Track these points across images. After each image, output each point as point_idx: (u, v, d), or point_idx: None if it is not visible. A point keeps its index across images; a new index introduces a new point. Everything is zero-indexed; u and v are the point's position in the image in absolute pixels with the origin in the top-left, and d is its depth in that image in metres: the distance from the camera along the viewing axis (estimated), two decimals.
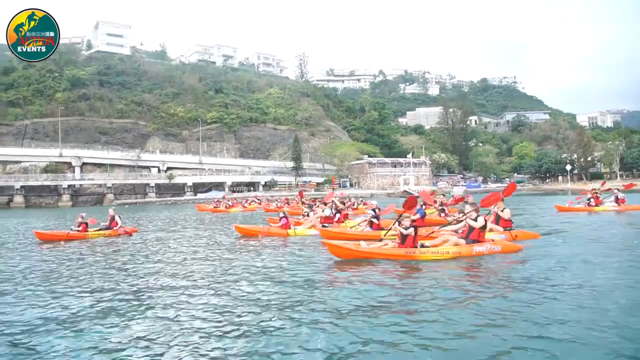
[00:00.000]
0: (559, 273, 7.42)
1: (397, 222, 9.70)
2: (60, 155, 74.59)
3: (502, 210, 11.95)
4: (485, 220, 9.77)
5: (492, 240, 9.83)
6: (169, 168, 78.42)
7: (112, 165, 76.83)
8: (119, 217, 16.77)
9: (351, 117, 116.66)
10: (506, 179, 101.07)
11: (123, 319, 5.40)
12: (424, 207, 22.00)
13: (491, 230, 11.17)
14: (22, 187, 67.77)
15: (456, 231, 10.34)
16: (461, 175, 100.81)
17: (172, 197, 71.22)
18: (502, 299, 5.89)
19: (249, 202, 40.86)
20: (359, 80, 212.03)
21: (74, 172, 74.28)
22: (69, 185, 70.93)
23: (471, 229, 9.62)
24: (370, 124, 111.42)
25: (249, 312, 5.59)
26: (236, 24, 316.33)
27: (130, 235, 16.23)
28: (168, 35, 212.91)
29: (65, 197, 69.17)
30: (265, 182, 78.53)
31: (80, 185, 72.79)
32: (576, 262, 8.30)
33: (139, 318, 5.46)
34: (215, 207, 35.65)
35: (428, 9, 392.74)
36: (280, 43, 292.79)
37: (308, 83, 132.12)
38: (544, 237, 11.71)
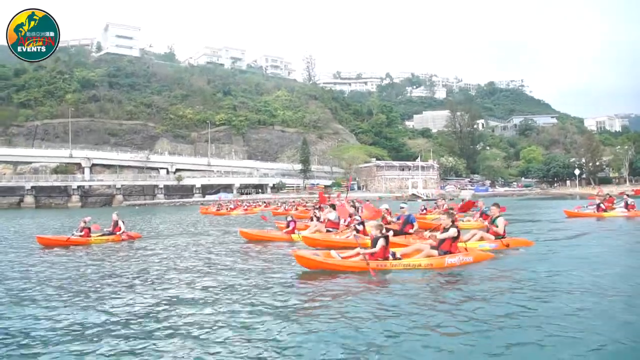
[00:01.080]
0: (539, 282, 7.15)
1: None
2: (70, 156, 75.18)
3: (494, 218, 11.55)
4: (458, 231, 9.32)
5: (465, 250, 9.47)
6: (177, 170, 78.88)
7: (121, 167, 77.36)
8: (123, 222, 16.24)
9: (359, 120, 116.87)
10: (514, 182, 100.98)
11: (119, 333, 5.24)
12: (424, 211, 22.01)
13: (482, 238, 11.04)
14: (32, 187, 68.36)
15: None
16: (469, 179, 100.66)
17: (181, 199, 71.52)
18: (473, 312, 5.63)
19: (254, 205, 41.22)
20: (365, 83, 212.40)
21: (83, 173, 74.83)
22: (78, 186, 71.48)
23: (443, 239, 9.28)
24: (377, 127, 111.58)
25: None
26: (244, 26, 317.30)
27: (134, 240, 15.80)
28: (176, 37, 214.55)
29: (75, 197, 69.69)
30: (274, 185, 78.77)
31: (90, 186, 73.30)
32: (564, 271, 7.96)
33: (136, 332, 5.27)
34: (217, 209, 36.07)
35: (434, 12, 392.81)
36: (288, 45, 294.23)
37: (316, 86, 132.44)
38: (538, 244, 11.38)
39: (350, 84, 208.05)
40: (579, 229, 15.98)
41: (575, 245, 11.74)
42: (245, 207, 38.06)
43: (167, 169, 79.14)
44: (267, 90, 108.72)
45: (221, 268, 9.50)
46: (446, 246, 9.18)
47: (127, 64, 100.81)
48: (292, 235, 13.80)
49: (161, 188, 74.92)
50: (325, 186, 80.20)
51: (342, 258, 8.98)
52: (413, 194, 73.04)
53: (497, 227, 11.26)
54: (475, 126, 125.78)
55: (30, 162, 73.42)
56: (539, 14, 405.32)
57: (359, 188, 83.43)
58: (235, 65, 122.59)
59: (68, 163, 74.86)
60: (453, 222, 9.49)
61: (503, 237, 11.11)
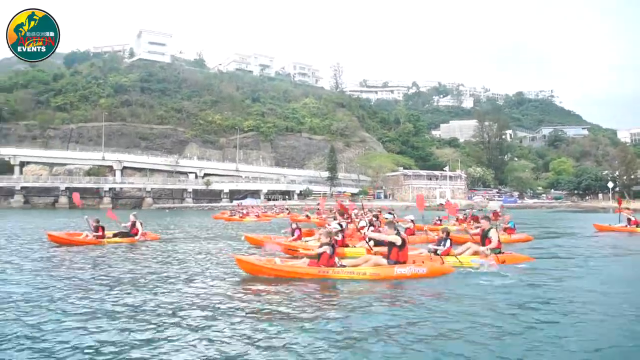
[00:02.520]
0: (479, 308, 6.59)
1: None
2: (103, 159, 76.81)
3: (487, 231, 10.96)
4: (403, 239, 9.04)
5: (419, 261, 9.20)
6: (206, 174, 79.83)
7: (152, 170, 78.63)
8: (141, 223, 16.11)
9: (386, 128, 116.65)
10: (543, 194, 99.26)
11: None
12: (440, 222, 21.46)
13: (476, 253, 10.56)
14: (66, 188, 69.95)
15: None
16: (497, 190, 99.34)
17: (209, 203, 72.32)
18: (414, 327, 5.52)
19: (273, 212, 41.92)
20: (392, 91, 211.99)
21: (115, 175, 76.38)
22: (110, 188, 72.87)
23: (390, 248, 9.05)
24: (405, 135, 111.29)
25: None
26: (273, 34, 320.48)
27: (146, 240, 15.69)
28: (206, 44, 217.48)
29: (106, 199, 70.96)
30: (300, 191, 79.06)
31: (121, 188, 74.69)
32: (552, 292, 7.48)
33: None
34: (230, 215, 36.18)
35: (462, 21, 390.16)
36: (316, 53, 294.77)
37: (343, 93, 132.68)
38: (542, 262, 10.66)
39: (376, 92, 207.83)
40: (602, 245, 15.29)
41: (584, 264, 10.78)
42: (258, 213, 37.69)
43: (195, 173, 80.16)
44: (295, 98, 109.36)
45: (217, 269, 9.65)
46: (394, 256, 8.95)
47: (158, 69, 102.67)
48: (297, 242, 13.48)
49: (190, 192, 75.88)
50: (352, 194, 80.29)
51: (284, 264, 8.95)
52: (440, 204, 72.43)
53: (491, 240, 10.64)
54: (503, 136, 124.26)
55: (65, 164, 75.38)
56: (569, 24, 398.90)
57: (385, 197, 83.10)
58: (264, 72, 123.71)
59: (100, 165, 76.53)
60: (397, 231, 9.28)
61: (500, 251, 10.55)
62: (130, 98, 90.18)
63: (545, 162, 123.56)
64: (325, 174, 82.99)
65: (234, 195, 76.97)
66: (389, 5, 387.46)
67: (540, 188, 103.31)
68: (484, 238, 10.88)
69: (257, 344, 4.93)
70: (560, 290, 7.75)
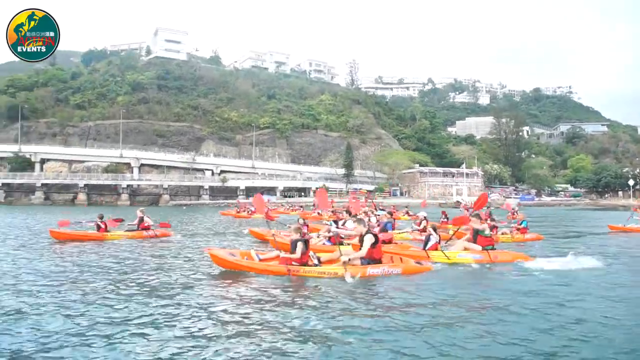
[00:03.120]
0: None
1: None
2: (121, 156, 77.64)
3: (479, 227, 10.65)
4: (375, 236, 8.94)
5: (392, 260, 9.07)
6: (222, 171, 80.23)
7: (168, 167, 79.23)
8: (149, 217, 15.89)
9: (402, 125, 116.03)
10: (561, 192, 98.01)
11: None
12: (447, 220, 21.18)
13: (466, 249, 10.35)
14: (85, 185, 71.01)
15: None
16: (514, 188, 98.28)
17: (225, 200, 72.59)
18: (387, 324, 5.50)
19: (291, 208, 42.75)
20: (407, 88, 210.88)
21: (132, 172, 77.14)
22: (127, 185, 73.64)
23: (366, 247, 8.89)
24: (421, 132, 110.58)
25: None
26: (288, 31, 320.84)
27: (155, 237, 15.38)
28: (222, 41, 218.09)
29: (124, 196, 71.75)
30: (316, 188, 78.79)
31: (138, 185, 75.41)
32: (536, 295, 7.18)
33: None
34: (237, 212, 36.35)
35: (479, 16, 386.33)
36: (331, 50, 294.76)
37: (359, 90, 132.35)
38: (537, 260, 10.04)
39: (392, 88, 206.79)
40: (609, 246, 14.78)
41: (579, 265, 9.97)
42: (266, 209, 37.70)
43: (212, 170, 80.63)
44: (311, 95, 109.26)
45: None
46: (368, 255, 8.81)
47: (175, 67, 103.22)
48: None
49: (206, 189, 76.27)
50: (368, 191, 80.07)
51: (261, 260, 8.99)
52: (457, 201, 71.82)
53: (485, 236, 10.41)
54: (520, 133, 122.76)
55: (84, 161, 76.37)
56: (588, 19, 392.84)
57: (401, 194, 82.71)
58: (279, 69, 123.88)
59: (118, 162, 77.37)
60: (368, 228, 9.14)
61: (493, 248, 10.29)
62: (147, 95, 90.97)
63: (563, 159, 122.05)
64: (342, 171, 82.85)
65: (250, 192, 77.10)
66: (403, 1, 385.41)
67: (558, 185, 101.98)
68: (476, 235, 10.61)
69: (210, 344, 4.91)
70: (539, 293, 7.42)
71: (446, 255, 10.04)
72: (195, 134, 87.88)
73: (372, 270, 8.53)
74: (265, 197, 69.33)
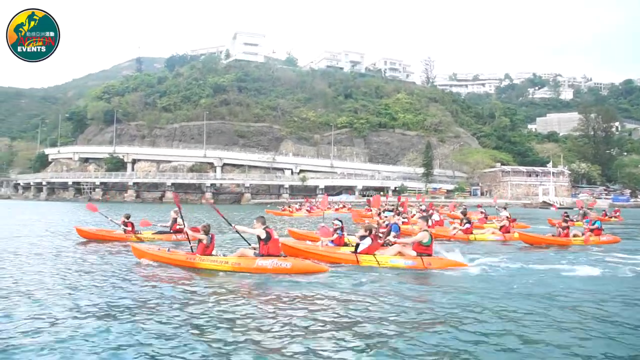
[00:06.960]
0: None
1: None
2: (205, 156, 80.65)
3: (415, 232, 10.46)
4: (268, 232, 8.98)
5: (284, 256, 9.11)
6: (301, 170, 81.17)
7: (249, 167, 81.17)
8: (182, 218, 14.38)
9: (480, 123, 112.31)
10: None
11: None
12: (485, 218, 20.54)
13: (400, 254, 9.94)
14: (172, 184, 74.28)
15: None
16: (604, 187, 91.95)
17: (304, 199, 73.19)
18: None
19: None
20: (483, 84, 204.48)
21: (215, 171, 79.76)
22: (211, 184, 76.34)
23: (258, 242, 9.10)
24: (500, 130, 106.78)
25: None
26: (362, 30, 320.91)
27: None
28: (296, 43, 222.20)
29: (208, 194, 74.32)
30: (395, 188, 77.88)
31: (221, 184, 77.96)
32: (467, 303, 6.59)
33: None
34: (282, 210, 37.83)
35: (558, 7, 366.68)
36: (404, 48, 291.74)
37: (435, 88, 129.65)
38: (473, 267, 9.65)
39: (467, 85, 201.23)
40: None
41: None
42: (308, 207, 38.65)
43: (291, 169, 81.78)
44: (387, 93, 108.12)
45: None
46: (261, 249, 9.03)
47: (253, 69, 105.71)
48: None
49: (286, 188, 77.36)
50: (448, 190, 78.19)
51: (170, 251, 9.84)
52: (544, 202, 68.38)
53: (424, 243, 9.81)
54: (611, 129, 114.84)
55: (170, 161, 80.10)
56: None
57: (482, 194, 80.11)
58: (355, 68, 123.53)
59: (202, 162, 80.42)
60: (266, 225, 9.16)
61: (429, 255, 9.75)
62: (228, 97, 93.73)
63: None
64: (420, 170, 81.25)
65: (329, 191, 77.38)
66: None
67: None
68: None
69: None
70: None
71: (377, 260, 9.81)
72: (275, 134, 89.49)
73: (260, 262, 8.78)
74: (344, 197, 69.53)
